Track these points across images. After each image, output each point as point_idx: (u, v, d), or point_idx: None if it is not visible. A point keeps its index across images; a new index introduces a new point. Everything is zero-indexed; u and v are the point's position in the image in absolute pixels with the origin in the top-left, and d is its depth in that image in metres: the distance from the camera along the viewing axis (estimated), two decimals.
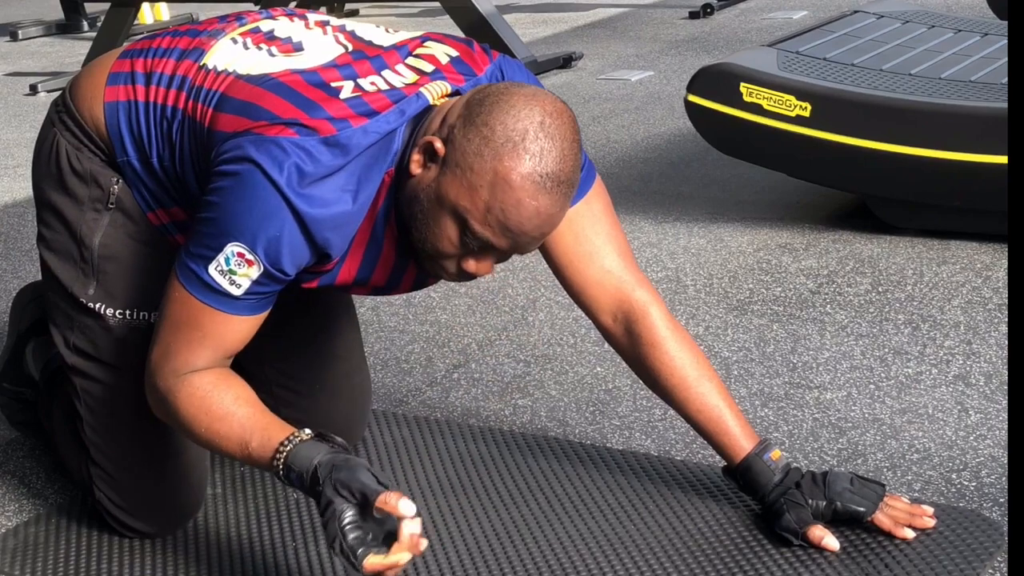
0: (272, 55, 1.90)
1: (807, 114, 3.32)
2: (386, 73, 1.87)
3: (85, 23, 7.81)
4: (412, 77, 1.86)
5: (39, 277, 3.46)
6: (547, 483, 2.19)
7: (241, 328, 1.83)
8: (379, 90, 1.82)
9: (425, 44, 1.93)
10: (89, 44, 6.57)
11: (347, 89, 1.82)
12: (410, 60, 1.90)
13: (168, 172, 1.93)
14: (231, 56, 1.90)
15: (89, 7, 7.89)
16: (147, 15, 7.72)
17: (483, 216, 1.73)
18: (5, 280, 3.47)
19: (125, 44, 2.08)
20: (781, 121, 3.35)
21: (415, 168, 1.77)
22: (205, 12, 7.84)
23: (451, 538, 2.03)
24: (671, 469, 2.22)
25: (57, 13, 8.04)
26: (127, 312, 2.01)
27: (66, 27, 7.85)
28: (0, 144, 5.07)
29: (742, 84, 3.39)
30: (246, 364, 2.25)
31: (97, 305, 2.01)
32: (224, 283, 1.77)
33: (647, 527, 2.04)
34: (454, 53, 1.91)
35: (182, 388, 1.80)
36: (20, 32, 7.74)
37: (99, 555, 2.06)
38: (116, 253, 2.00)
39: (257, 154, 1.74)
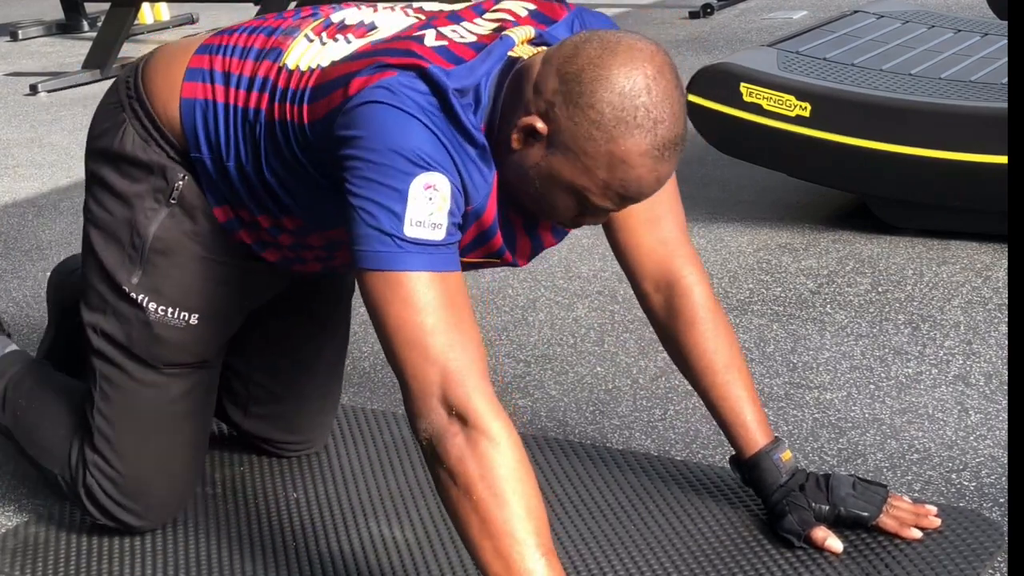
0: (349, 42, 1.84)
1: (807, 114, 3.32)
2: (464, 24, 1.81)
3: (85, 23, 7.81)
4: (491, 27, 1.81)
5: (39, 276, 3.46)
6: (547, 483, 2.19)
7: (461, 286, 1.67)
8: (463, 40, 1.77)
9: (500, 2, 1.88)
10: (89, 44, 6.57)
11: (430, 36, 1.76)
12: (486, 15, 1.85)
13: (248, 176, 1.88)
14: (312, 54, 1.85)
15: (89, 7, 7.88)
16: (147, 15, 7.72)
17: (602, 192, 1.70)
18: (5, 280, 3.47)
19: (202, 36, 2.02)
20: (781, 121, 3.35)
21: (516, 144, 1.71)
22: (205, 12, 7.84)
23: (451, 538, 2.03)
24: (671, 469, 2.22)
25: (57, 13, 8.04)
26: (169, 310, 1.98)
27: (66, 27, 7.84)
28: (0, 144, 5.07)
29: (742, 84, 3.39)
30: (232, 360, 2.25)
31: (140, 296, 1.98)
32: (425, 234, 1.64)
33: (647, 527, 2.04)
34: (531, 7, 1.86)
35: (472, 476, 1.59)
36: (20, 32, 7.73)
37: (99, 555, 2.06)
38: (169, 248, 1.96)
39: (368, 96, 1.67)
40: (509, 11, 1.85)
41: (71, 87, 6.06)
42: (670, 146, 1.67)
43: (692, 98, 3.48)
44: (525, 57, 1.76)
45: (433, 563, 1.97)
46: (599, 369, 2.70)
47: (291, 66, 1.85)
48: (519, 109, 1.71)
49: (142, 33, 7.42)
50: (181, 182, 1.95)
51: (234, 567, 2.00)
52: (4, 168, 4.71)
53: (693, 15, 6.94)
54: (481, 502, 1.59)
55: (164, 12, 7.96)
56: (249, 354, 2.25)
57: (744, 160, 3.60)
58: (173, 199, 1.95)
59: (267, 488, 2.24)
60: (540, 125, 1.68)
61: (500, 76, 1.74)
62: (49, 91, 6.01)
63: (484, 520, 1.59)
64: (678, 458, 2.28)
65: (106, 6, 6.52)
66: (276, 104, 1.83)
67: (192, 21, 7.77)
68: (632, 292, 2.09)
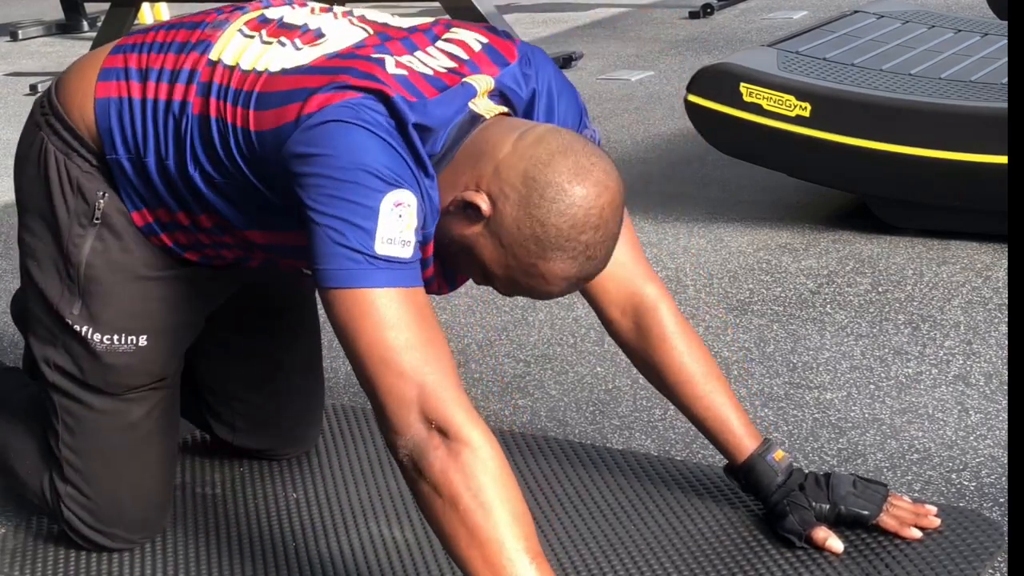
0: (298, 48, 1.81)
1: (807, 114, 3.32)
2: (419, 55, 1.79)
3: (85, 23, 7.81)
4: (448, 63, 1.79)
5: None
6: (547, 483, 2.19)
7: (428, 301, 1.67)
8: (421, 72, 1.75)
9: (451, 29, 1.86)
10: (89, 44, 6.57)
11: (391, 63, 1.74)
12: (440, 44, 1.83)
13: (168, 170, 1.84)
14: (254, 53, 1.81)
15: (89, 7, 7.89)
16: (147, 15, 7.72)
17: (507, 284, 1.73)
18: (5, 280, 3.47)
19: (116, 40, 1.97)
20: (781, 121, 3.35)
21: (451, 207, 1.71)
22: None
23: None
24: (671, 469, 2.22)
25: (57, 13, 8.04)
26: (114, 337, 1.94)
27: (66, 27, 7.85)
28: (0, 144, 5.07)
29: (742, 84, 3.39)
30: (208, 380, 2.24)
31: (83, 328, 1.94)
32: (395, 251, 1.62)
33: (647, 527, 2.04)
34: (484, 40, 1.84)
35: (456, 487, 1.58)
36: (20, 32, 7.74)
37: (99, 555, 2.05)
38: (103, 273, 1.93)
39: (331, 115, 1.65)
40: (462, 43, 1.83)
41: None
42: (587, 279, 1.73)
43: (692, 98, 3.48)
44: (486, 115, 1.75)
45: (433, 563, 1.97)
46: (599, 369, 2.70)
47: (229, 61, 1.81)
48: (469, 175, 1.70)
49: None
50: (101, 200, 1.90)
51: (234, 567, 2.00)
52: (4, 168, 4.71)
53: (693, 15, 6.94)
54: (468, 512, 1.57)
55: (164, 12, 7.97)
56: (222, 373, 2.23)
57: (744, 160, 3.60)
58: (96, 219, 1.91)
59: (267, 488, 2.24)
60: (485, 207, 1.68)
61: (459, 130, 1.73)
62: None
63: (472, 530, 1.57)
64: (678, 458, 2.28)
65: (106, 6, 6.52)
66: (213, 100, 1.79)
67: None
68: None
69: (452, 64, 1.79)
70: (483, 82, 1.78)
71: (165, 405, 2.04)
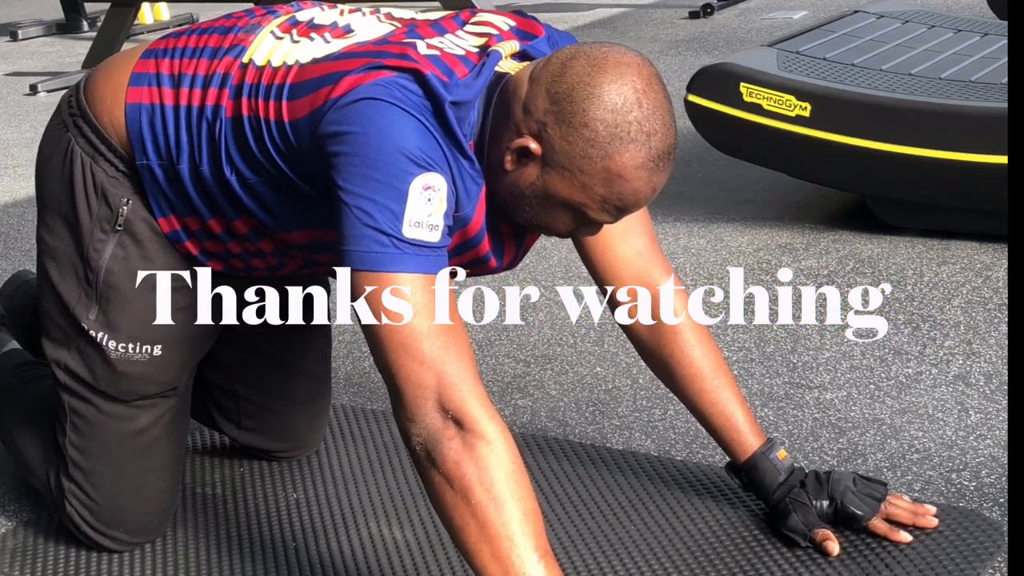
0: (328, 41, 1.81)
1: (807, 114, 3.32)
2: (449, 37, 1.80)
3: (85, 23, 7.82)
4: (477, 41, 1.80)
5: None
6: (547, 483, 2.19)
7: (448, 290, 1.65)
8: (453, 52, 1.75)
9: (478, 14, 1.87)
10: (89, 44, 6.58)
11: (422, 45, 1.75)
12: (468, 27, 1.84)
13: (203, 176, 1.83)
14: (283, 50, 1.81)
15: (89, 7, 7.90)
16: (147, 15, 7.72)
17: (600, 206, 1.70)
18: (5, 280, 3.46)
19: (148, 43, 1.96)
20: (781, 121, 3.35)
21: (509, 165, 1.71)
22: (205, 12, 7.84)
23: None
24: (671, 469, 2.22)
25: (57, 13, 8.05)
26: (129, 346, 1.94)
27: (66, 27, 7.85)
28: (0, 144, 5.07)
29: (742, 84, 3.39)
30: (216, 378, 2.24)
31: (98, 334, 1.94)
32: (423, 235, 1.62)
33: (647, 527, 2.04)
34: (511, 22, 1.85)
35: (470, 480, 1.58)
36: (20, 32, 7.74)
37: (99, 555, 2.06)
38: (120, 283, 1.93)
39: (364, 93, 1.65)
40: (490, 24, 1.84)
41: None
42: (664, 156, 1.69)
43: (692, 98, 3.48)
44: (511, 72, 1.75)
45: (433, 563, 1.97)
46: (599, 369, 2.70)
47: (260, 62, 1.81)
48: (508, 129, 1.70)
49: (142, 33, 7.43)
50: (124, 207, 1.90)
51: (234, 567, 2.00)
52: (4, 168, 4.71)
53: (693, 15, 6.94)
54: (480, 506, 1.58)
55: (164, 12, 7.98)
56: (231, 370, 2.23)
57: (744, 160, 3.60)
58: (119, 226, 1.91)
59: (267, 489, 2.24)
60: (533, 146, 1.68)
61: (488, 92, 1.73)
62: (49, 91, 6.01)
63: (482, 524, 1.58)
64: (678, 458, 2.28)
65: (106, 6, 6.53)
66: (245, 99, 1.79)
67: (192, 21, 7.78)
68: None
69: (481, 42, 1.80)
70: (507, 46, 1.79)
71: (173, 413, 2.04)
